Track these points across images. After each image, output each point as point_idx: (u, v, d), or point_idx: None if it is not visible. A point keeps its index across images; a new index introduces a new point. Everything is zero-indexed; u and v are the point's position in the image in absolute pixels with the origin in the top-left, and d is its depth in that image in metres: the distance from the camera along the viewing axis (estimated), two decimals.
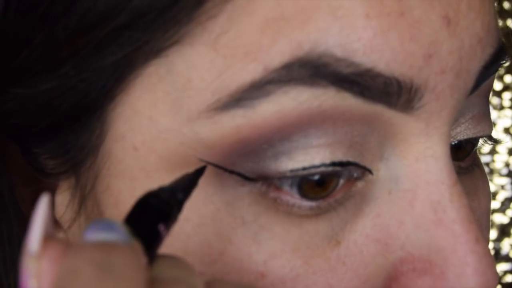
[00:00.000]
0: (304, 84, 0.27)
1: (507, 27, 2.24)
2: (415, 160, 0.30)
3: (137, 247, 0.23)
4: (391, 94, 0.28)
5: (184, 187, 0.27)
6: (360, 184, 0.30)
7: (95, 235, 0.23)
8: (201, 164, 0.29)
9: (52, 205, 0.34)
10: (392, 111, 0.29)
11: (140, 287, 0.22)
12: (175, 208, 0.26)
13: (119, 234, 0.23)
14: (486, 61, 0.31)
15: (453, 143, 0.34)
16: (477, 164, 0.36)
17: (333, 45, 0.27)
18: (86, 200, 0.33)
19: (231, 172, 0.29)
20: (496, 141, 0.38)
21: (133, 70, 0.29)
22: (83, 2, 0.28)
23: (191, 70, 0.28)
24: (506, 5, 2.26)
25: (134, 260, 0.22)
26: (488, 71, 0.32)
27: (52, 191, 0.34)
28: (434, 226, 0.30)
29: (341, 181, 0.30)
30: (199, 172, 0.28)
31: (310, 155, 0.29)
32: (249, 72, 0.28)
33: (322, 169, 0.29)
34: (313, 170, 0.29)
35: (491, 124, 0.35)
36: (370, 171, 0.30)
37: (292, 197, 0.29)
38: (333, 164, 0.29)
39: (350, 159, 0.29)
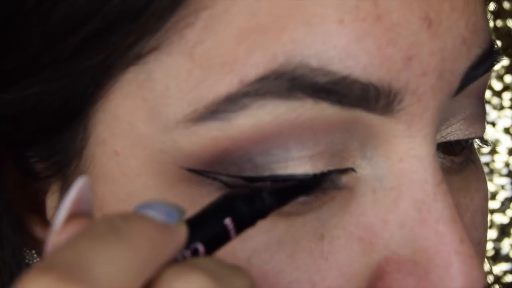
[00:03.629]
0: (280, 97, 0.27)
1: (507, 27, 2.24)
2: (399, 160, 0.30)
3: (177, 230, 0.24)
4: (369, 99, 0.28)
5: (279, 195, 0.27)
6: (344, 184, 0.30)
7: (141, 210, 0.24)
8: (182, 171, 0.29)
9: (44, 207, 0.34)
10: (371, 114, 0.29)
11: (146, 259, 0.22)
12: (254, 211, 0.26)
13: (162, 214, 0.24)
14: (472, 62, 0.31)
15: (444, 142, 0.33)
16: (472, 159, 0.36)
17: (308, 55, 0.27)
18: None
19: (214, 179, 0.29)
20: (487, 143, 0.37)
21: (112, 76, 0.29)
22: (59, 8, 0.29)
23: (169, 79, 0.28)
24: (506, 5, 2.26)
25: (153, 233, 0.23)
26: (476, 71, 0.31)
27: (44, 194, 0.34)
28: (418, 226, 0.29)
29: (323, 185, 0.30)
30: (303, 186, 0.28)
31: (291, 168, 0.29)
32: (225, 84, 0.27)
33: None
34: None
35: (484, 126, 0.35)
36: (352, 169, 0.30)
37: None
38: (315, 176, 0.29)
39: (331, 167, 0.29)
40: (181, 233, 0.24)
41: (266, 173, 0.28)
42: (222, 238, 0.26)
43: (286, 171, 0.29)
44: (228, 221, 0.25)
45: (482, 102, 0.35)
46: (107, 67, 0.29)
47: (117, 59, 0.29)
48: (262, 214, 0.27)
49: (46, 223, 0.35)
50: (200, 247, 0.25)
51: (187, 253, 0.25)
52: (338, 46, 0.27)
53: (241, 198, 0.26)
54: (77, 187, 0.24)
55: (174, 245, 0.23)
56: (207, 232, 0.25)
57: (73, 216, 0.24)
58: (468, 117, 0.33)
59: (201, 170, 0.29)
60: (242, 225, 0.26)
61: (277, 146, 0.28)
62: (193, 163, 0.29)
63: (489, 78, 0.34)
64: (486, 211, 0.36)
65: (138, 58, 0.29)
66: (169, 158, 0.29)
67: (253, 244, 0.29)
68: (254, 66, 0.27)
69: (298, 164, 0.29)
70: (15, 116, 0.32)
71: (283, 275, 0.29)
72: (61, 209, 0.24)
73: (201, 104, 0.28)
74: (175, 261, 0.24)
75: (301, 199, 0.29)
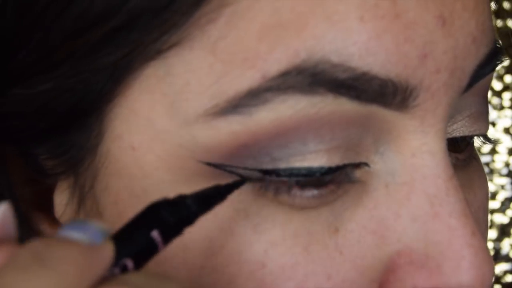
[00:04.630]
0: (301, 92, 0.28)
1: (507, 27, 2.24)
2: (411, 155, 0.30)
3: (102, 248, 0.23)
4: (387, 95, 0.29)
5: (204, 200, 0.27)
6: (357, 175, 0.30)
7: (64, 232, 0.24)
8: (199, 166, 0.29)
9: (51, 204, 0.34)
10: (387, 110, 0.29)
11: (73, 283, 0.22)
12: (180, 220, 0.26)
13: (87, 234, 0.24)
14: (480, 60, 0.31)
15: (449, 138, 0.34)
16: (474, 156, 0.36)
17: (329, 51, 0.28)
18: (85, 200, 0.33)
19: (231, 172, 0.29)
20: (490, 141, 0.38)
21: (131, 72, 0.29)
22: (79, 3, 0.29)
23: (190, 73, 0.29)
24: (506, 5, 2.26)
25: (78, 256, 0.22)
26: (483, 70, 0.32)
27: (52, 191, 0.34)
28: (431, 220, 0.30)
29: (337, 179, 0.30)
30: (230, 186, 0.28)
31: (308, 161, 0.29)
32: (247, 79, 0.28)
33: (319, 174, 0.29)
34: (310, 175, 0.29)
35: (487, 124, 0.35)
36: (366, 164, 0.30)
37: (293, 187, 0.29)
38: (330, 169, 0.29)
39: (346, 161, 0.30)
40: (107, 252, 0.24)
41: (283, 165, 0.29)
42: (150, 250, 0.25)
43: (303, 164, 0.29)
44: (155, 234, 0.25)
45: (486, 100, 0.35)
46: (126, 62, 0.29)
47: (137, 54, 0.29)
48: (188, 221, 0.26)
49: (53, 221, 0.35)
50: (129, 263, 0.25)
51: (116, 270, 0.24)
52: (358, 43, 0.28)
53: (166, 207, 0.26)
54: (0, 212, 0.24)
55: (100, 264, 0.23)
56: (134, 247, 0.25)
57: None
58: (473, 114, 0.34)
59: (218, 164, 0.29)
60: (169, 234, 0.26)
61: (295, 140, 0.29)
62: (211, 157, 0.29)
63: (492, 77, 0.35)
64: (487, 208, 0.37)
65: (158, 53, 0.29)
66: (187, 152, 0.29)
67: (269, 237, 0.29)
68: (276, 62, 0.28)
69: (315, 157, 0.29)
70: (27, 112, 0.32)
71: (298, 267, 0.29)
72: None
73: (222, 99, 0.28)
74: (105, 279, 0.24)
75: (316, 193, 0.30)
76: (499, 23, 2.16)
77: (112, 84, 0.30)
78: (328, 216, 0.30)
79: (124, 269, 0.25)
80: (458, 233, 0.29)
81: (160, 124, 0.29)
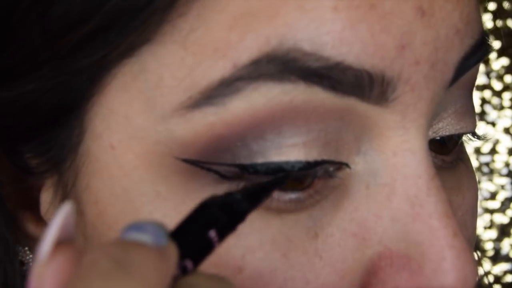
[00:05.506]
0: (273, 80, 0.27)
1: (507, 27, 2.24)
2: (392, 154, 0.30)
3: (169, 250, 0.23)
4: (363, 86, 0.28)
5: (252, 196, 0.27)
6: (337, 178, 0.30)
7: (129, 235, 0.23)
8: (177, 163, 0.29)
9: (37, 202, 0.34)
10: (366, 104, 0.29)
11: (155, 287, 0.22)
12: (234, 217, 0.26)
13: (151, 235, 0.23)
14: (465, 52, 0.31)
15: (436, 139, 0.33)
16: (462, 158, 0.36)
17: (301, 39, 0.27)
18: (68, 198, 0.33)
19: (208, 170, 0.29)
20: (480, 137, 0.38)
21: (108, 70, 0.29)
22: (58, 5, 0.29)
23: (163, 68, 0.28)
24: (506, 5, 2.26)
25: (155, 260, 0.22)
26: (468, 61, 0.32)
27: (38, 189, 0.34)
28: (412, 221, 0.29)
29: (317, 177, 0.30)
30: (274, 182, 0.28)
31: (285, 155, 0.29)
32: (218, 69, 0.28)
33: (297, 169, 0.29)
34: (288, 170, 0.29)
35: (475, 121, 0.35)
36: (346, 165, 0.30)
37: None
38: (308, 164, 0.29)
39: (325, 157, 0.29)
40: (173, 253, 0.24)
41: (260, 160, 0.29)
42: (207, 249, 0.25)
43: (280, 158, 0.29)
44: (212, 234, 0.25)
45: (471, 95, 0.35)
46: (104, 62, 0.29)
47: (114, 54, 0.29)
48: (240, 217, 0.26)
49: (39, 220, 0.35)
50: (189, 264, 0.25)
51: (177, 271, 0.24)
52: (331, 32, 0.27)
53: (218, 205, 0.26)
54: (63, 213, 0.23)
55: (172, 267, 0.23)
56: (193, 247, 0.25)
57: (58, 244, 0.23)
58: (459, 110, 0.33)
59: (195, 160, 0.29)
60: (224, 233, 0.26)
61: (271, 131, 0.28)
62: (188, 152, 0.29)
63: (478, 69, 0.35)
64: (476, 210, 0.36)
65: (132, 51, 0.29)
66: (165, 149, 0.29)
67: (247, 242, 0.29)
68: (247, 50, 0.27)
69: (292, 150, 0.29)
70: (10, 112, 0.32)
71: (277, 273, 0.29)
72: (47, 237, 0.23)
73: (195, 90, 0.28)
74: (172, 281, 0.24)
75: (294, 197, 0.29)
76: (499, 23, 2.15)
77: (91, 84, 0.30)
78: (307, 221, 0.30)
79: (184, 270, 0.25)
80: (439, 234, 0.29)
81: (138, 122, 0.29)
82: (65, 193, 0.33)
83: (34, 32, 0.29)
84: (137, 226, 0.24)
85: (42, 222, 0.35)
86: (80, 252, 0.23)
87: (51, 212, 0.34)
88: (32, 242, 0.36)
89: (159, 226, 0.24)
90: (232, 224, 0.26)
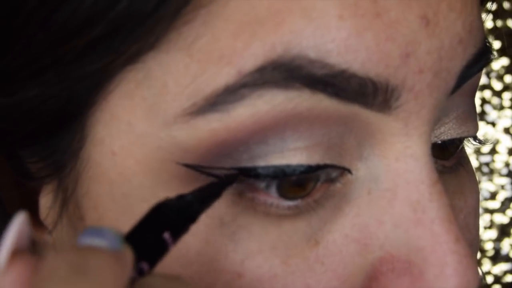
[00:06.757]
0: (278, 87, 0.27)
1: (507, 27, 2.23)
2: (395, 160, 0.30)
3: (124, 253, 0.24)
4: (367, 94, 0.28)
5: (203, 197, 0.27)
6: (339, 184, 0.30)
7: (85, 240, 0.24)
8: (177, 168, 0.29)
9: (37, 207, 0.34)
10: (369, 111, 0.29)
11: None
12: (186, 218, 0.27)
13: (107, 240, 0.24)
14: (468, 61, 0.31)
15: (438, 143, 0.33)
16: (462, 163, 0.36)
17: (307, 46, 0.27)
18: (68, 203, 0.33)
19: (209, 174, 0.29)
20: (481, 142, 0.38)
21: (112, 77, 0.29)
22: (63, 11, 0.28)
23: (167, 75, 0.28)
24: (506, 5, 2.25)
25: (111, 264, 0.22)
26: (471, 70, 0.32)
27: (37, 194, 0.34)
28: (414, 226, 0.29)
29: (320, 182, 0.30)
30: (224, 183, 0.28)
31: (287, 159, 0.29)
32: (223, 76, 0.28)
33: (299, 173, 0.29)
34: (290, 173, 0.29)
35: (477, 125, 0.35)
36: (349, 171, 0.30)
37: (270, 197, 0.29)
38: (310, 167, 0.29)
39: (328, 161, 0.29)
40: (129, 256, 0.24)
41: (262, 163, 0.29)
42: (162, 251, 0.26)
43: (281, 162, 0.29)
44: (167, 236, 0.26)
45: (473, 100, 0.35)
46: (107, 69, 0.29)
47: (118, 61, 0.29)
48: (192, 218, 0.27)
49: (39, 224, 0.35)
50: (145, 265, 0.25)
51: (134, 273, 0.25)
52: (337, 40, 0.27)
53: (170, 207, 0.27)
54: (18, 222, 0.24)
55: (128, 270, 0.24)
56: (148, 249, 0.26)
57: (14, 253, 0.23)
58: (460, 116, 0.34)
59: (196, 165, 0.29)
60: (178, 234, 0.26)
61: (274, 136, 0.28)
62: (190, 157, 0.29)
63: (481, 76, 0.35)
64: (478, 212, 0.36)
65: (137, 57, 0.29)
66: (166, 154, 0.29)
67: (246, 247, 0.29)
68: (252, 57, 0.27)
69: (294, 154, 0.29)
70: (12, 117, 0.32)
71: (277, 279, 0.29)
72: (2, 247, 0.23)
73: (200, 97, 0.28)
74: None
75: (291, 204, 0.30)
76: (499, 23, 2.15)
77: (94, 90, 0.30)
78: (305, 229, 0.30)
79: (141, 272, 0.25)
80: (441, 239, 0.29)
81: (140, 128, 0.29)
82: (65, 198, 0.33)
83: (38, 37, 0.29)
84: (93, 231, 0.24)
85: (42, 227, 0.35)
86: (37, 260, 0.23)
87: (50, 216, 0.34)
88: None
89: (113, 230, 0.24)
90: (185, 225, 0.27)
